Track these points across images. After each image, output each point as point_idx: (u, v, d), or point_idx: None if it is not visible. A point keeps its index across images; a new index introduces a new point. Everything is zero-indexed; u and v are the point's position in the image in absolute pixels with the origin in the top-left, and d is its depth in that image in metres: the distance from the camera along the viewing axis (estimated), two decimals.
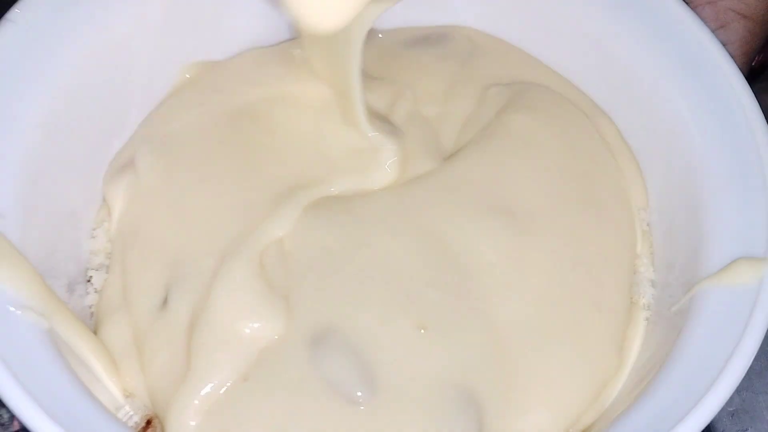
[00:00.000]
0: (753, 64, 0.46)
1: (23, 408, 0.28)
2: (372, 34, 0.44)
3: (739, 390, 0.39)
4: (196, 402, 0.32)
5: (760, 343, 0.31)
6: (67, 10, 0.36)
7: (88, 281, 0.38)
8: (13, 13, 0.35)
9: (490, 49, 0.44)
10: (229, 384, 0.33)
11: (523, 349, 0.35)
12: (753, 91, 0.37)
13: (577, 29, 0.41)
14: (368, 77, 0.39)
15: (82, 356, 0.34)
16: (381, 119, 0.40)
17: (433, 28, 0.45)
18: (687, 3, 0.43)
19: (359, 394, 0.32)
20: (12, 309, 0.30)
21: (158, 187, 0.38)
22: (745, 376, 0.31)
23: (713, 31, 0.42)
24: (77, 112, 0.37)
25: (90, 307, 0.37)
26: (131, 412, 0.34)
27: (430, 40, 0.44)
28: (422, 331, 0.34)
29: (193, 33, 0.41)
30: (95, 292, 0.38)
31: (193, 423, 0.32)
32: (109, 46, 0.38)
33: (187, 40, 0.41)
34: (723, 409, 0.31)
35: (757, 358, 0.33)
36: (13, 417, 0.40)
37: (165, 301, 0.35)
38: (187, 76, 0.42)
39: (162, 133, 0.39)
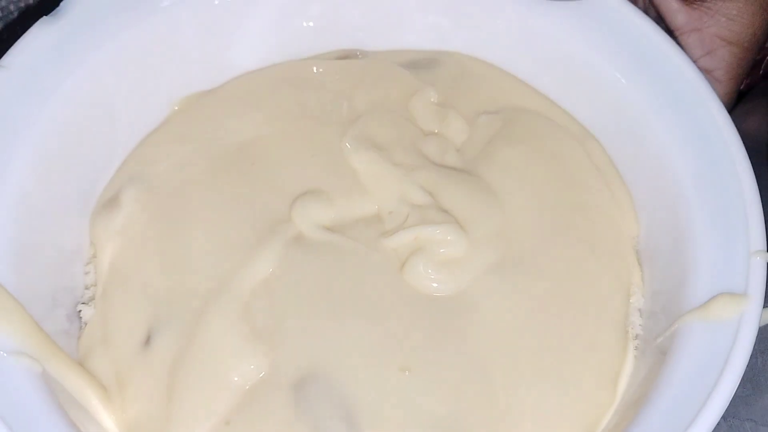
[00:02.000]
0: (741, 87, 0.46)
1: None
2: (354, 54, 0.44)
3: (726, 417, 0.39)
4: None
5: (741, 377, 0.31)
6: (57, 53, 0.37)
7: (78, 314, 0.38)
8: (6, 59, 0.36)
9: (479, 74, 0.44)
10: (210, 428, 0.33)
11: (513, 392, 0.34)
12: (736, 114, 0.38)
13: (565, 56, 0.41)
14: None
15: (78, 395, 0.34)
16: (376, 149, 0.40)
17: (422, 52, 0.45)
18: (674, 30, 0.43)
19: None
20: (4, 354, 0.31)
21: (143, 226, 0.38)
22: (730, 403, 0.31)
23: (700, 57, 0.43)
24: (67, 151, 0.37)
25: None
26: None
27: (419, 64, 0.44)
28: (406, 373, 0.34)
29: (181, 65, 0.42)
30: (84, 325, 0.38)
31: None
32: (98, 83, 0.38)
33: (174, 73, 0.42)
34: None
35: (743, 384, 0.33)
36: None
37: (147, 341, 0.35)
38: (176, 108, 0.42)
39: (147, 171, 0.40)
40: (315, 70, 0.43)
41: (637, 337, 0.37)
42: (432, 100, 0.42)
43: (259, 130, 0.41)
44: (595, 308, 0.37)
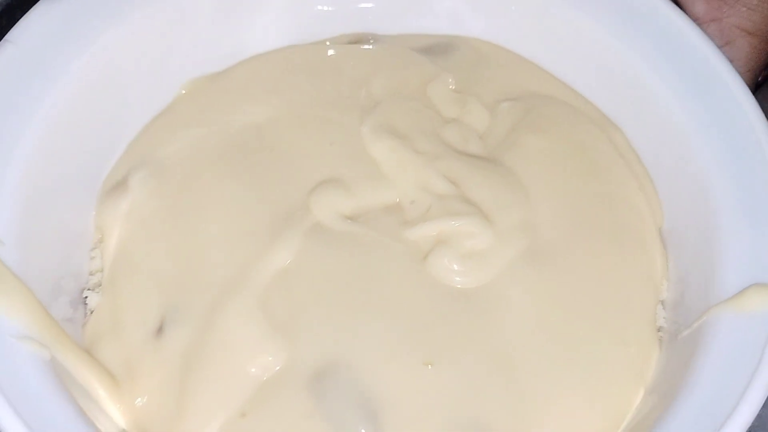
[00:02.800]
0: (759, 79, 0.46)
1: None
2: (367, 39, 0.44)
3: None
4: None
5: None
6: (65, 31, 0.36)
7: (84, 301, 0.37)
8: (12, 34, 0.35)
9: (496, 59, 0.43)
10: (225, 420, 0.32)
11: (539, 385, 0.33)
12: (756, 99, 0.37)
13: (585, 41, 0.41)
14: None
15: (85, 384, 0.33)
16: (397, 136, 0.39)
17: (438, 36, 0.44)
18: (692, 20, 0.43)
19: (363, 431, 0.32)
20: (12, 339, 0.30)
21: (153, 211, 0.37)
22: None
23: (719, 47, 0.42)
24: (73, 132, 0.36)
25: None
26: None
27: (434, 49, 0.43)
28: (429, 367, 0.33)
29: (191, 46, 0.41)
30: (91, 312, 0.36)
31: None
32: (105, 64, 0.37)
33: (184, 54, 0.41)
34: None
35: None
36: None
37: (160, 330, 0.34)
38: (183, 92, 0.41)
39: (157, 155, 0.38)
40: (329, 55, 0.42)
41: (660, 329, 0.37)
42: (450, 86, 0.41)
43: (274, 115, 0.40)
44: (622, 300, 0.36)
